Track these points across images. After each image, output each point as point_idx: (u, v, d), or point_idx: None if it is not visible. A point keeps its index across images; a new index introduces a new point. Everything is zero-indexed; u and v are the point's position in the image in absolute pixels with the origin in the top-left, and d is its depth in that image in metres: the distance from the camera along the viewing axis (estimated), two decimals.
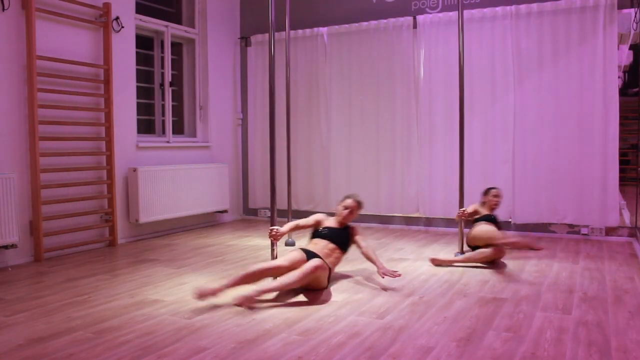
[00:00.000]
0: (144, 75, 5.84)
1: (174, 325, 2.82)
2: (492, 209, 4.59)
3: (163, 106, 5.92)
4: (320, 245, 3.58)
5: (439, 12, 5.68)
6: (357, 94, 6.07)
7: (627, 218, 5.31)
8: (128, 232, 5.29)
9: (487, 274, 3.86)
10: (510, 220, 5.46)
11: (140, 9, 5.57)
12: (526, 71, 5.33)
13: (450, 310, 3.04)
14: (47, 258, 4.48)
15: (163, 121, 5.92)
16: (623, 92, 5.44)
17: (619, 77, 5.33)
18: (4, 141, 4.22)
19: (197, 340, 2.60)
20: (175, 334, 2.68)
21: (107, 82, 4.96)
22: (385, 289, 3.46)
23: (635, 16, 4.82)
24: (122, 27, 5.16)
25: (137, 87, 5.44)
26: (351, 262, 4.25)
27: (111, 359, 2.38)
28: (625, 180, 5.78)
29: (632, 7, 4.97)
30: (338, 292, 3.42)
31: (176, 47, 6.24)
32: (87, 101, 4.90)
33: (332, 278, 3.65)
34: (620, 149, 5.09)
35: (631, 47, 5.56)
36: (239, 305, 3.07)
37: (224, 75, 6.60)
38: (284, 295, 3.31)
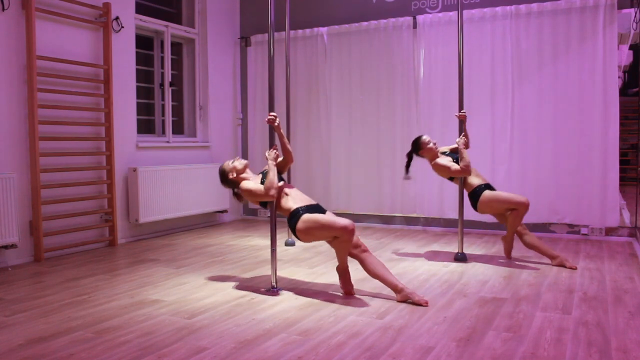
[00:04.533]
0: (144, 75, 5.84)
1: (174, 325, 2.82)
2: (436, 156, 4.33)
3: (163, 106, 5.92)
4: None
5: (438, 12, 5.69)
6: (357, 94, 6.07)
7: (627, 218, 5.31)
8: (128, 232, 5.29)
9: (487, 274, 3.86)
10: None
11: (140, 9, 5.57)
12: (526, 71, 5.33)
13: (450, 310, 3.04)
14: (47, 258, 4.48)
15: (163, 121, 5.93)
16: (623, 92, 5.45)
17: (619, 77, 5.34)
18: (4, 141, 4.22)
19: (197, 340, 2.60)
20: (175, 334, 2.68)
21: (107, 82, 4.96)
22: None
23: (635, 16, 4.82)
24: (122, 27, 5.16)
25: (137, 87, 5.44)
26: (351, 262, 4.24)
27: (111, 359, 2.38)
28: (625, 180, 5.79)
29: (632, 7, 4.97)
30: (338, 292, 3.42)
31: (176, 47, 6.24)
32: (87, 101, 4.90)
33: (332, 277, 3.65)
34: (620, 149, 5.08)
35: (631, 47, 5.56)
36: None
37: (224, 75, 6.60)
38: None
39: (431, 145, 4.32)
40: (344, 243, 3.26)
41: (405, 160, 4.47)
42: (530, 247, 4.21)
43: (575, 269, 3.98)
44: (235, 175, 3.62)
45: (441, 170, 4.30)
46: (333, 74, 6.18)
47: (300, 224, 3.35)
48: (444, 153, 4.41)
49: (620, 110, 5.05)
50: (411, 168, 4.46)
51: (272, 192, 3.39)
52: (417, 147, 4.38)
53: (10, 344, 2.58)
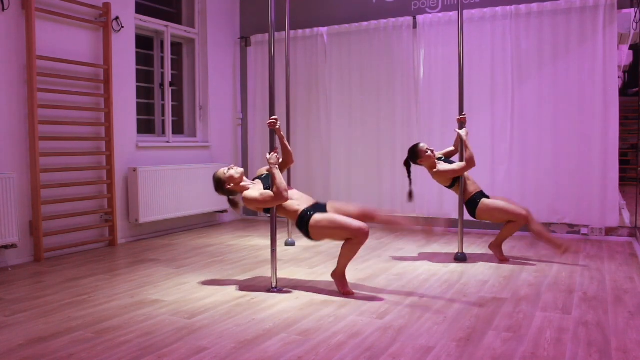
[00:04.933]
0: (144, 75, 5.84)
1: (174, 325, 2.82)
2: (434, 165, 4.30)
3: (163, 106, 5.91)
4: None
5: (438, 12, 5.68)
6: (357, 94, 6.07)
7: (627, 218, 5.31)
8: (128, 232, 5.29)
9: (487, 274, 3.86)
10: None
11: (140, 9, 5.57)
12: (526, 71, 5.33)
13: (450, 310, 3.04)
14: (47, 258, 4.47)
15: (163, 121, 5.92)
16: (623, 92, 5.45)
17: (619, 77, 5.34)
18: (4, 141, 4.22)
19: (197, 340, 2.60)
20: (175, 334, 2.68)
21: (107, 82, 4.96)
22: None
23: (635, 16, 4.82)
24: (122, 27, 5.16)
25: (137, 87, 5.44)
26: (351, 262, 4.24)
27: (111, 359, 2.38)
28: (625, 180, 5.79)
29: (632, 7, 4.97)
30: (338, 292, 3.42)
31: (176, 47, 6.24)
32: (87, 101, 4.90)
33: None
34: (620, 149, 5.08)
35: (631, 47, 5.56)
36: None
37: (224, 75, 6.60)
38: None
39: (429, 153, 4.29)
40: (357, 245, 3.26)
41: (404, 168, 4.45)
42: (537, 234, 4.22)
43: (580, 252, 4.09)
44: (232, 185, 3.59)
45: (445, 175, 4.28)
46: (333, 74, 6.18)
47: (313, 223, 3.34)
48: (439, 159, 4.41)
49: (620, 110, 5.05)
50: (410, 168, 4.45)
51: (285, 194, 3.36)
52: (416, 156, 4.32)
53: (10, 344, 2.58)
